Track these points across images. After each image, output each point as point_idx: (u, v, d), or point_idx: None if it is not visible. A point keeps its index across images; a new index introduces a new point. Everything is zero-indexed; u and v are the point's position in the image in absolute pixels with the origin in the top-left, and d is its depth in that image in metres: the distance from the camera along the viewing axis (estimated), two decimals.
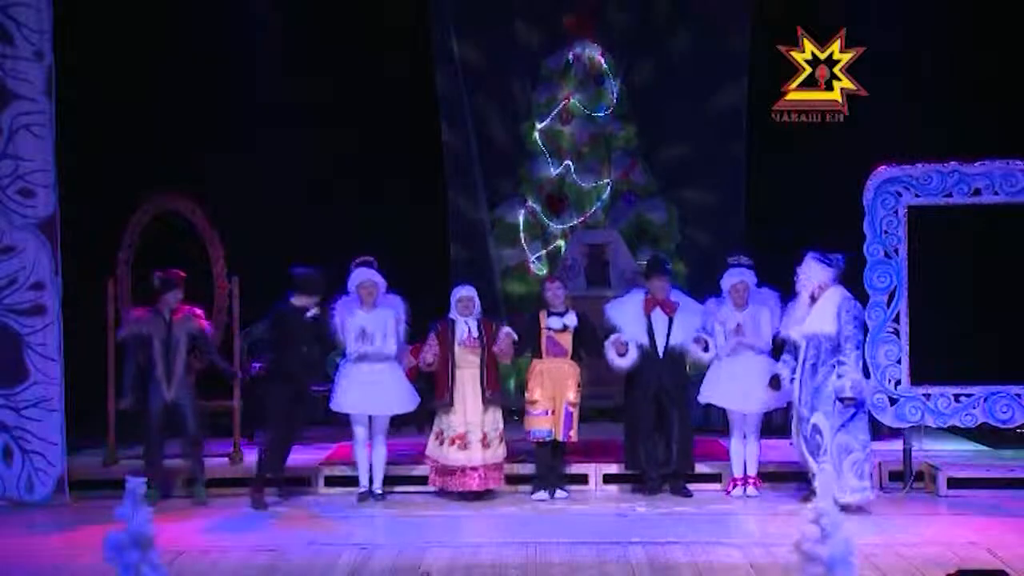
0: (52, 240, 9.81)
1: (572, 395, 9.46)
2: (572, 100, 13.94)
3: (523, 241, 13.88)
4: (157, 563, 5.37)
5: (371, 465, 9.57)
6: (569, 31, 14.08)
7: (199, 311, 9.73)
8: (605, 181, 13.92)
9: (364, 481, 9.59)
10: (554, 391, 9.43)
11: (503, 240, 13.95)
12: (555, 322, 9.55)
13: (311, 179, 13.12)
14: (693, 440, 9.70)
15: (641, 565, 7.49)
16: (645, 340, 9.49)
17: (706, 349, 9.55)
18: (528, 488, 9.70)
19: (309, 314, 9.49)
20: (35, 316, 9.65)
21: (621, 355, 9.41)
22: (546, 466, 9.53)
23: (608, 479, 9.96)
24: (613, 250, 13.40)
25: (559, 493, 9.55)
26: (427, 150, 13.68)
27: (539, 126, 13.97)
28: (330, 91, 13.13)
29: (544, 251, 13.90)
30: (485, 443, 9.38)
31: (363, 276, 9.59)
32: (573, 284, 13.10)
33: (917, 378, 9.83)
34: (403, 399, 9.70)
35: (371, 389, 9.48)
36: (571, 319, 9.57)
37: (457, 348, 9.42)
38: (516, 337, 9.49)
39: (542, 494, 9.48)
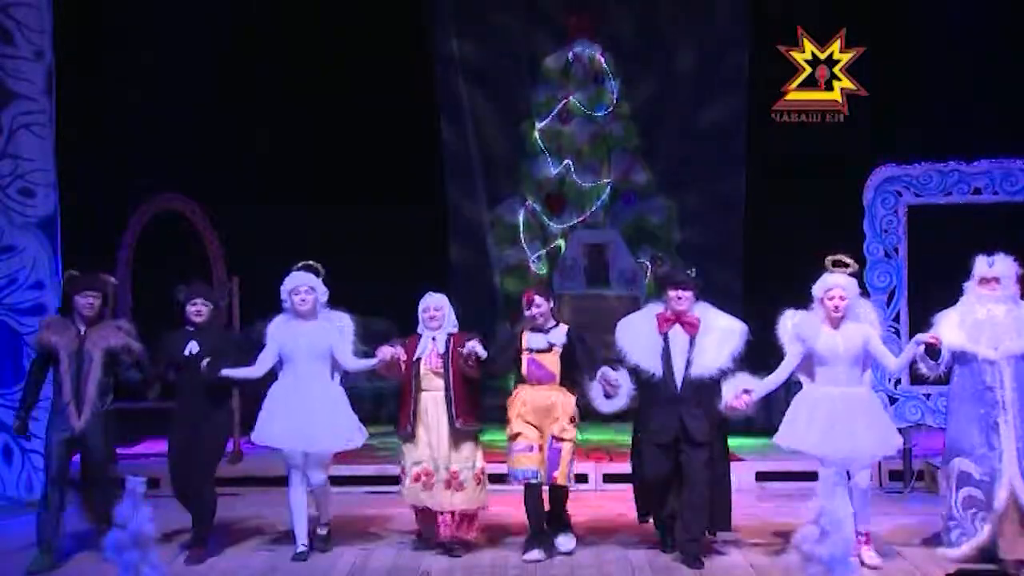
0: (52, 239, 9.82)
1: (558, 428, 7.52)
2: (572, 99, 13.93)
3: (523, 241, 13.89)
4: (157, 563, 5.37)
5: (315, 506, 7.87)
6: (569, 31, 14.09)
7: (124, 323, 7.99)
8: (605, 181, 13.93)
9: (301, 537, 7.72)
10: (540, 423, 7.57)
11: (503, 240, 13.96)
12: (536, 340, 7.63)
13: (311, 179, 13.12)
14: (728, 494, 7.72)
15: (641, 565, 7.48)
16: (659, 368, 7.48)
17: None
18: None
19: (198, 358, 7.71)
20: (35, 315, 9.65)
21: (608, 396, 7.51)
22: (537, 517, 7.62)
23: (608, 479, 9.95)
24: (613, 249, 13.40)
25: (562, 541, 7.72)
26: (427, 150, 13.68)
27: (539, 126, 13.98)
28: (330, 91, 13.13)
29: (544, 251, 13.90)
30: (453, 484, 7.62)
31: (297, 280, 7.82)
32: (573, 284, 13.10)
33: (917, 378, 9.81)
34: (342, 431, 7.74)
35: (302, 419, 7.59)
36: (558, 336, 7.63)
37: (422, 368, 7.71)
38: (481, 353, 7.60)
39: (535, 553, 7.53)
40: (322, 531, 7.89)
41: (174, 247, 11.08)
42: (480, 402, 7.91)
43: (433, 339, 7.74)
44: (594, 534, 8.27)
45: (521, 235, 13.95)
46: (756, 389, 7.38)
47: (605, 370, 7.46)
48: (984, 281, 7.37)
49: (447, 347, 7.69)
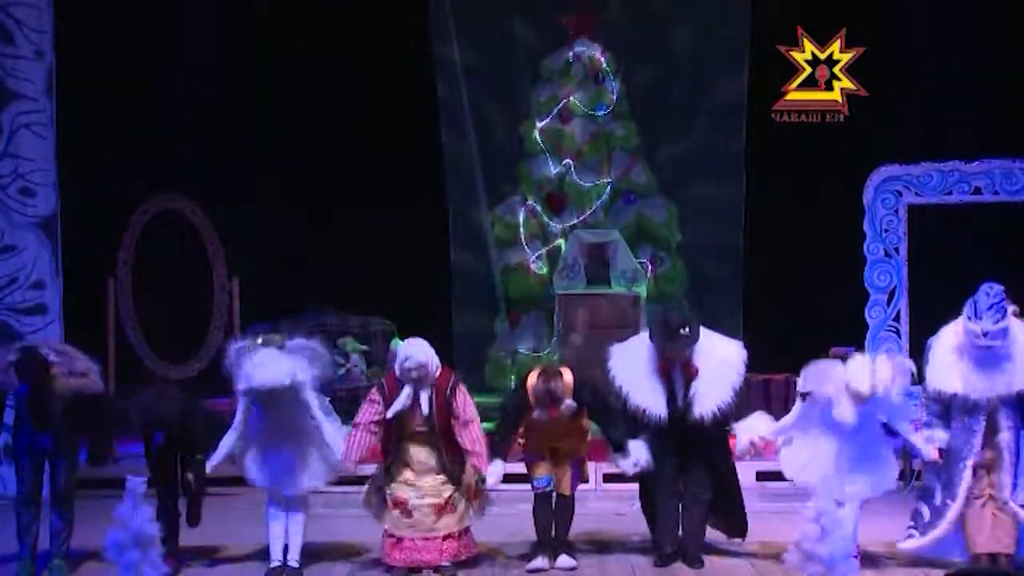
0: (52, 239, 9.84)
1: (581, 447, 7.68)
2: (572, 99, 13.92)
3: (523, 240, 13.87)
4: (157, 562, 5.38)
5: (286, 532, 7.53)
6: (569, 31, 14.08)
7: (85, 366, 7.68)
8: (605, 180, 13.91)
9: (276, 552, 7.49)
10: (552, 448, 7.58)
11: (503, 239, 13.95)
12: (544, 415, 7.37)
13: (311, 179, 13.11)
14: (742, 502, 7.83)
15: (641, 565, 7.49)
16: (663, 411, 7.46)
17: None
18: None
19: (164, 449, 7.56)
20: (35, 315, 9.67)
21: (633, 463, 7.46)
22: (545, 527, 7.60)
23: (608, 479, 9.94)
24: (613, 249, 13.40)
25: (563, 560, 7.55)
26: (427, 150, 13.68)
27: (539, 125, 13.95)
28: (330, 91, 13.12)
29: (544, 250, 13.89)
30: (447, 508, 7.39)
31: (263, 378, 7.23)
32: (573, 283, 13.11)
33: (917, 377, 9.79)
34: (319, 467, 7.51)
35: (276, 462, 7.44)
36: (568, 406, 7.35)
37: (405, 423, 7.32)
38: (485, 484, 7.35)
39: (540, 561, 7.49)
40: (293, 563, 7.45)
41: (174, 247, 11.08)
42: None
43: (419, 396, 7.24)
44: (594, 534, 8.27)
45: (521, 235, 13.93)
46: (767, 435, 7.43)
47: (619, 464, 7.41)
48: (980, 347, 7.05)
49: (431, 407, 7.23)
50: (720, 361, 7.47)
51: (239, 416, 7.44)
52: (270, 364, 7.23)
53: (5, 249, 9.78)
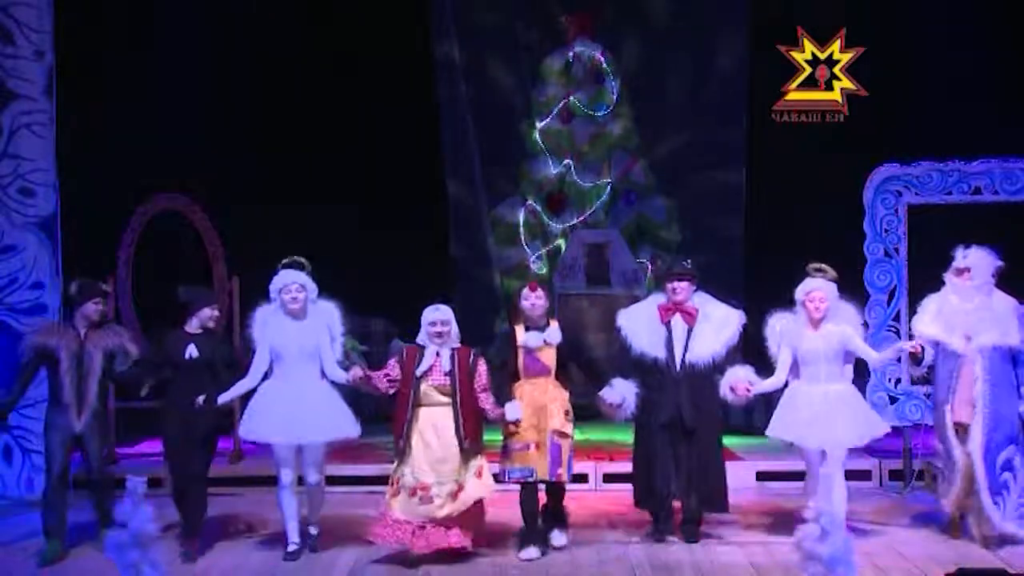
0: (52, 239, 9.84)
1: (559, 423, 7.58)
2: (572, 99, 13.94)
3: (523, 240, 13.89)
4: (157, 562, 5.38)
5: (302, 506, 7.83)
6: (569, 31, 14.09)
7: (119, 328, 8.21)
8: (605, 180, 13.93)
9: (294, 536, 7.73)
10: (537, 418, 7.57)
11: (503, 239, 13.97)
12: (533, 338, 7.67)
13: (311, 179, 13.12)
14: (723, 477, 8.01)
15: (641, 565, 7.49)
16: (663, 353, 7.87)
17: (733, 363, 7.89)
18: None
19: (197, 363, 7.77)
20: (35, 315, 9.66)
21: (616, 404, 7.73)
22: (533, 516, 7.70)
23: (608, 479, 9.94)
24: (613, 249, 13.42)
25: (556, 536, 7.79)
26: (427, 149, 13.69)
27: (539, 125, 13.98)
28: (331, 91, 13.13)
29: (544, 250, 13.91)
30: (458, 495, 7.45)
31: (286, 278, 7.77)
32: (573, 283, 13.13)
33: (917, 377, 9.81)
34: (333, 423, 7.68)
35: (292, 412, 7.56)
36: (553, 334, 7.68)
37: (423, 384, 7.49)
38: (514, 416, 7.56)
39: (532, 551, 7.60)
40: (313, 531, 7.83)
41: (174, 247, 11.08)
42: (483, 421, 7.67)
43: (437, 354, 7.51)
44: (594, 533, 8.28)
45: (521, 235, 13.96)
46: (756, 385, 7.85)
47: (603, 395, 7.68)
48: (958, 271, 7.87)
49: (452, 364, 7.50)
50: (718, 317, 7.96)
51: (256, 365, 7.69)
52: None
53: (5, 249, 9.78)
